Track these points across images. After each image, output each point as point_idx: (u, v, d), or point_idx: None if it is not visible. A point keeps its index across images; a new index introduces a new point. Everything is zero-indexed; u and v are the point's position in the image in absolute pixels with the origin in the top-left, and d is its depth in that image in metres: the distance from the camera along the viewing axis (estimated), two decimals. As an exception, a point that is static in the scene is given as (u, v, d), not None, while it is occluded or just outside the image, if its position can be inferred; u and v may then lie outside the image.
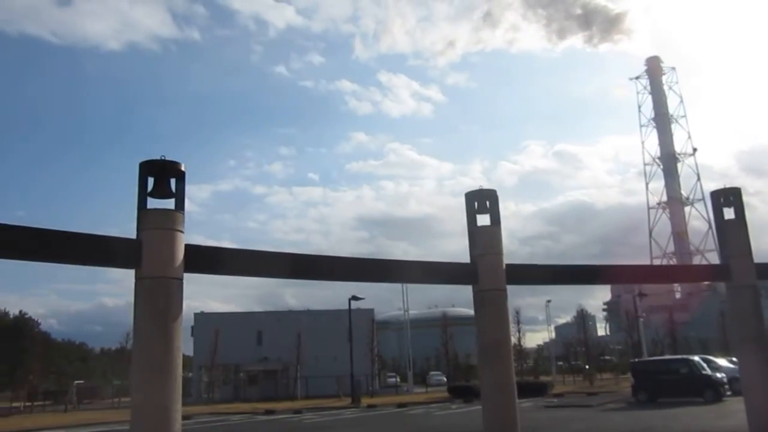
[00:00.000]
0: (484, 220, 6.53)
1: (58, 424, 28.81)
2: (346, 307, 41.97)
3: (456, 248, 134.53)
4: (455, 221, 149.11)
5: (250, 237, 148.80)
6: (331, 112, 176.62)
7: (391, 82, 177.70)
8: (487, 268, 5.76)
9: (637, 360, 34.50)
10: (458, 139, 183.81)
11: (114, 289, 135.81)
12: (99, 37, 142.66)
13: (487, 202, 6.36)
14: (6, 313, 76.06)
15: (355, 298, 41.48)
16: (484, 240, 5.97)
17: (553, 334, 75.66)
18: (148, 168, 4.18)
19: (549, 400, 30.99)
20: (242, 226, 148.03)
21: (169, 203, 4.31)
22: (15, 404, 44.82)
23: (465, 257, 6.12)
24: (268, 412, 31.84)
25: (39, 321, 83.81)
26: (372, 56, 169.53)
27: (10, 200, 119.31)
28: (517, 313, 55.16)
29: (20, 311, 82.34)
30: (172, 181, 4.29)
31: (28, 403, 45.95)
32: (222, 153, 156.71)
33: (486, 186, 5.70)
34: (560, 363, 63.62)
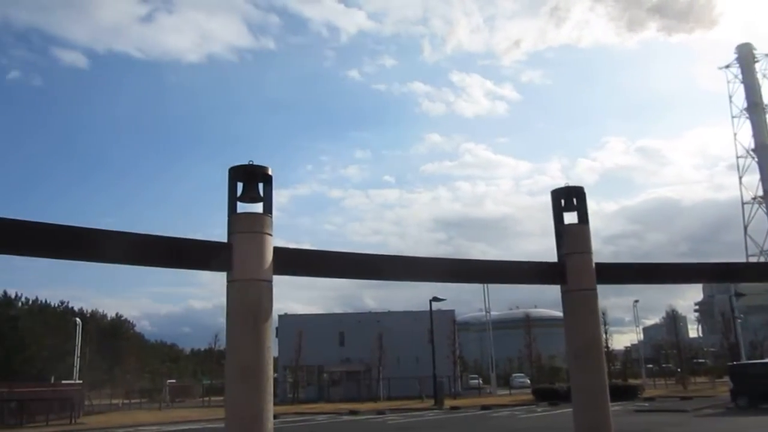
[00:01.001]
0: (570, 218, 6.33)
1: (154, 421, 30.15)
2: (426, 308, 41.90)
3: (535, 248, 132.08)
4: (534, 221, 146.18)
5: (328, 240, 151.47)
6: (405, 114, 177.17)
7: (464, 82, 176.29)
8: (576, 268, 5.55)
9: (736, 363, 32.77)
10: (535, 137, 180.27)
11: (201, 293, 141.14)
12: (180, 51, 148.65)
13: (574, 199, 6.14)
14: (104, 316, 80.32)
15: (435, 299, 41.38)
16: (572, 238, 5.77)
17: (641, 336, 72.95)
18: (237, 173, 4.28)
19: (639, 404, 29.89)
20: (320, 229, 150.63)
21: (258, 207, 4.39)
22: (114, 401, 47.29)
23: (544, 257, 5.96)
24: (352, 412, 32.18)
25: (134, 323, 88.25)
26: (443, 57, 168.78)
27: (102, 207, 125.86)
28: (604, 314, 53.56)
29: (116, 314, 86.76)
30: (260, 186, 4.36)
31: (126, 401, 48.36)
32: (299, 158, 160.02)
33: (569, 184, 5.50)
34: (650, 366, 61.24)
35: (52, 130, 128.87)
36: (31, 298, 74.78)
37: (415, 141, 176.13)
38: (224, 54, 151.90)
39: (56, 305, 77.45)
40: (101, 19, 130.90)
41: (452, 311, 52.82)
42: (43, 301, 76.13)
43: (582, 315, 5.96)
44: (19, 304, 72.27)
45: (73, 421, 30.30)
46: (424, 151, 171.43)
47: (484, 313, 53.81)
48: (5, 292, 72.27)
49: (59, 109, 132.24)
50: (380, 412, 31.63)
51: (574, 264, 5.87)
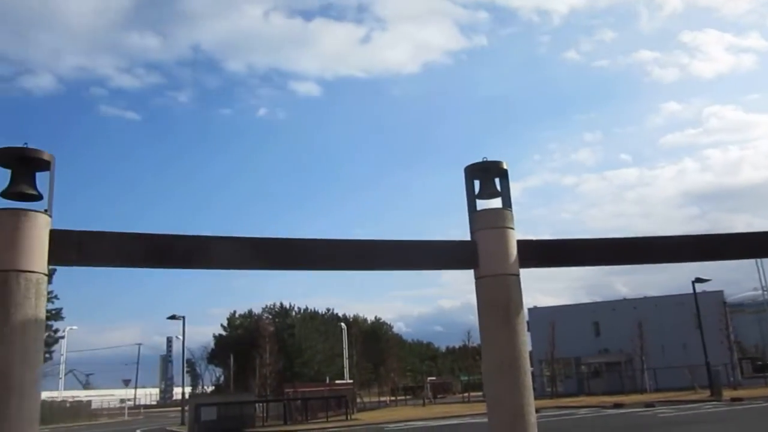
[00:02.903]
0: None
1: (420, 417, 31.68)
2: (688, 290, 38.51)
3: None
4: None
5: (564, 229, 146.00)
6: (634, 86, 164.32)
7: (697, 41, 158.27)
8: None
9: None
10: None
11: (448, 292, 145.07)
12: (398, 64, 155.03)
13: None
14: (365, 320, 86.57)
15: (699, 280, 37.84)
16: None
17: None
18: (473, 171, 4.32)
19: None
20: (556, 218, 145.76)
21: (496, 203, 4.39)
22: (382, 399, 50.69)
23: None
24: (617, 405, 30.68)
25: (391, 324, 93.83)
26: (666, 19, 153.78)
27: (355, 219, 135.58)
28: None
29: (375, 317, 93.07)
30: (496, 180, 4.36)
31: (392, 398, 51.50)
32: (525, 149, 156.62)
33: None
34: None
35: (299, 154, 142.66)
36: (302, 307, 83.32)
37: (650, 113, 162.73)
38: (440, 59, 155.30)
39: (323, 312, 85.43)
40: (326, 48, 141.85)
41: (720, 292, 47.79)
42: (313, 309, 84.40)
43: None
44: (293, 313, 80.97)
45: (348, 418, 33.05)
46: (662, 123, 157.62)
47: (760, 292, 47.87)
48: (281, 304, 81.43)
49: (303, 135, 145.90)
50: (649, 405, 29.68)
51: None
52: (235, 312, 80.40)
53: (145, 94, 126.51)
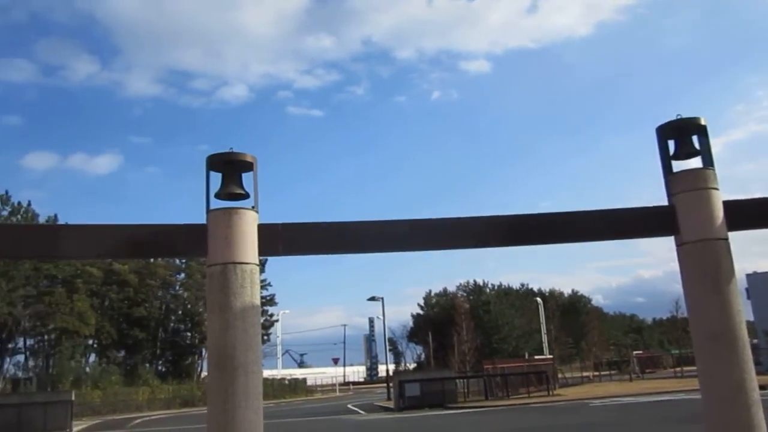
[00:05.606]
0: None
1: (627, 392, 30.28)
2: None
3: None
4: None
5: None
6: None
7: None
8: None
9: None
10: None
11: (648, 261, 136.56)
12: (569, 28, 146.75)
13: None
14: (561, 293, 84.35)
15: None
16: None
17: None
18: (666, 131, 4.03)
19: None
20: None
21: (695, 163, 4.05)
22: (584, 374, 49.15)
23: None
24: None
25: (590, 297, 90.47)
26: None
27: (537, 192, 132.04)
28: None
29: (572, 290, 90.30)
30: (694, 138, 4.03)
31: (595, 373, 49.75)
32: (724, 100, 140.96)
33: None
34: None
35: (476, 132, 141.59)
36: (495, 284, 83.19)
37: None
38: (613, 17, 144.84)
39: (518, 288, 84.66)
40: (492, 22, 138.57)
41: None
42: (507, 285, 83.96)
43: None
44: (487, 290, 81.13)
45: (550, 393, 32.52)
46: None
47: None
48: (474, 281, 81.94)
49: (477, 113, 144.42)
50: None
51: None
52: (430, 291, 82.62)
53: (326, 92, 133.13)
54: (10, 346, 52.36)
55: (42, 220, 52.00)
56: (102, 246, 3.42)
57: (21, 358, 54.42)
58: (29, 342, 54.72)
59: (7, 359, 53.12)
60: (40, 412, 28.02)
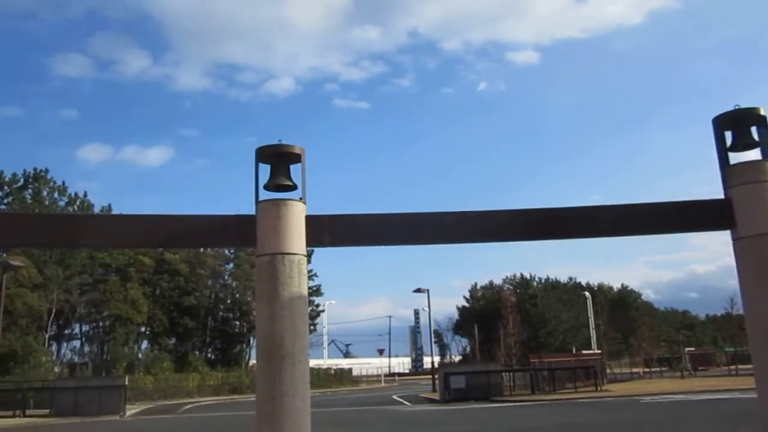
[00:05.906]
0: None
1: (679, 390, 29.59)
2: None
3: None
4: None
5: None
6: None
7: None
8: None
9: None
10: None
11: (701, 256, 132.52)
12: (621, 17, 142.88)
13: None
14: (610, 287, 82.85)
15: None
16: None
17: None
18: (723, 121, 3.91)
19: None
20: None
21: (753, 154, 3.92)
22: (634, 370, 48.21)
23: None
24: None
25: (640, 292, 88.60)
26: None
27: (588, 184, 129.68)
28: None
29: (622, 284, 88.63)
30: (753, 130, 3.90)
31: (645, 369, 48.73)
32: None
33: None
34: None
35: (523, 123, 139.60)
36: (543, 277, 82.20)
37: None
38: (667, 5, 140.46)
39: (566, 282, 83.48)
40: (540, 13, 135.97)
41: None
42: (554, 279, 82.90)
43: None
44: (534, 283, 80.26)
45: (598, 389, 32.00)
46: None
47: None
48: (521, 274, 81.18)
49: (525, 104, 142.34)
50: None
51: None
52: (476, 284, 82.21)
53: (372, 84, 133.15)
54: (66, 332, 54.43)
55: (96, 210, 53.76)
56: (156, 235, 3.52)
57: (77, 343, 56.61)
58: (85, 328, 56.88)
59: (64, 344, 55.33)
60: (95, 395, 29.08)
